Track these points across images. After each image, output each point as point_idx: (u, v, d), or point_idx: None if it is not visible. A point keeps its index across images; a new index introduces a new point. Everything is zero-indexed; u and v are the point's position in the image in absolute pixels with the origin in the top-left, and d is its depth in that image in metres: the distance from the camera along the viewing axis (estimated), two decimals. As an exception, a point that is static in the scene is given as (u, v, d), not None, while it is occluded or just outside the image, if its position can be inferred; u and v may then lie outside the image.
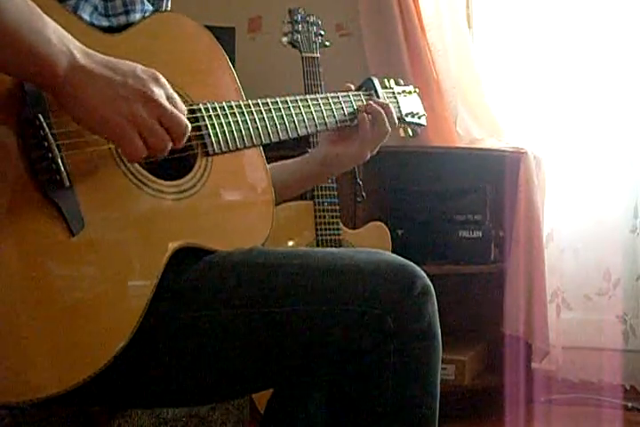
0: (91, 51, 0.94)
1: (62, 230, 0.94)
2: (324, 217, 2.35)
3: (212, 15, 2.82)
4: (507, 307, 2.62)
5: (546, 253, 2.63)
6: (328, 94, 1.32)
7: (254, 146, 1.18)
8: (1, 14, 0.85)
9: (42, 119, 0.93)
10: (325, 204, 2.35)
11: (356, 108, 1.35)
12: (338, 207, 2.37)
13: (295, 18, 2.36)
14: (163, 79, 0.98)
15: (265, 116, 1.19)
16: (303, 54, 2.36)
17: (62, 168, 0.93)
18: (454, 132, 2.81)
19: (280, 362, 1.07)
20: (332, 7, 3.01)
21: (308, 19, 2.38)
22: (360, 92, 1.38)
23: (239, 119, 1.15)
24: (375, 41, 2.89)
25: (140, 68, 0.97)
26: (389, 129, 1.36)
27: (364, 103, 1.35)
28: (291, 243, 2.32)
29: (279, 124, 1.21)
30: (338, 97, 1.33)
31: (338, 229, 2.37)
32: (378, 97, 1.39)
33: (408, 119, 1.48)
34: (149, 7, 1.19)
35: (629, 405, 2.65)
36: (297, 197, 2.32)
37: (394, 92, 1.47)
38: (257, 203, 1.22)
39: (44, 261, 0.92)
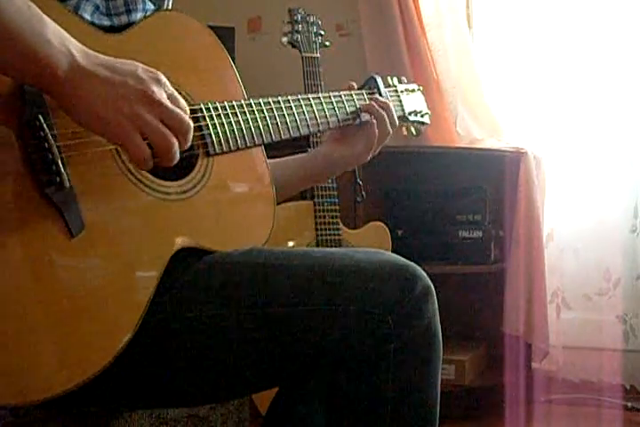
0: (91, 51, 0.93)
1: (62, 232, 0.93)
2: (324, 217, 2.35)
3: (212, 15, 2.82)
4: (507, 307, 2.62)
5: (546, 253, 2.63)
6: (330, 93, 1.32)
7: (255, 145, 1.18)
8: (1, 16, 0.85)
9: (42, 120, 0.92)
10: (325, 204, 2.35)
11: (358, 107, 1.34)
12: (338, 207, 2.37)
13: (295, 18, 2.36)
14: (163, 78, 0.98)
15: (266, 115, 1.19)
16: (303, 54, 2.36)
17: (62, 169, 0.93)
18: (454, 132, 2.81)
19: (280, 362, 1.07)
20: (332, 7, 3.01)
21: (307, 19, 2.38)
22: (363, 91, 1.38)
23: (240, 119, 1.15)
24: (375, 41, 2.89)
25: (140, 67, 0.96)
26: (390, 131, 1.36)
27: (367, 102, 1.35)
28: (291, 243, 2.32)
29: (280, 123, 1.21)
30: (340, 96, 1.33)
31: (338, 229, 2.37)
32: (381, 95, 1.39)
33: (411, 118, 1.48)
34: (151, 6, 1.18)
35: (629, 405, 2.65)
36: (297, 197, 2.32)
37: (397, 91, 1.46)
38: (258, 203, 1.21)
39: (45, 262, 0.92)
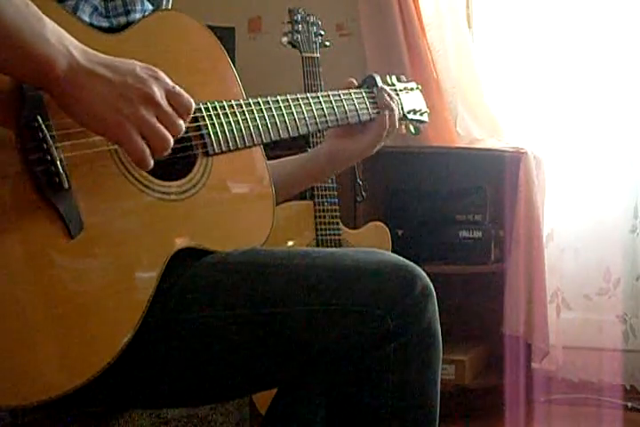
0: (90, 50, 0.93)
1: (61, 233, 0.93)
2: (324, 217, 2.35)
3: (212, 15, 2.82)
4: (507, 307, 2.62)
5: (546, 253, 2.63)
6: (329, 92, 1.32)
7: (255, 145, 1.18)
8: (0, 15, 0.85)
9: (40, 121, 0.92)
10: (325, 204, 2.35)
11: (357, 105, 1.35)
12: (338, 207, 2.37)
13: (295, 18, 2.36)
14: (162, 75, 0.98)
15: (265, 114, 1.19)
16: (303, 54, 2.35)
17: (61, 170, 0.93)
18: (454, 132, 2.81)
19: (280, 362, 1.07)
20: (332, 7, 3.01)
21: (307, 19, 2.38)
22: (362, 90, 1.38)
23: (239, 118, 1.15)
24: (375, 41, 2.89)
25: (139, 66, 0.96)
26: (397, 124, 1.37)
27: (366, 100, 1.35)
28: (290, 243, 2.32)
29: (280, 122, 1.21)
30: (339, 95, 1.33)
31: (338, 229, 2.37)
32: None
33: (410, 116, 1.48)
34: (149, 7, 1.18)
35: (629, 405, 2.65)
36: (297, 197, 2.32)
37: (396, 89, 1.46)
38: (257, 203, 1.21)
39: (45, 262, 0.92)
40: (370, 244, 2.42)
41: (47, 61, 0.88)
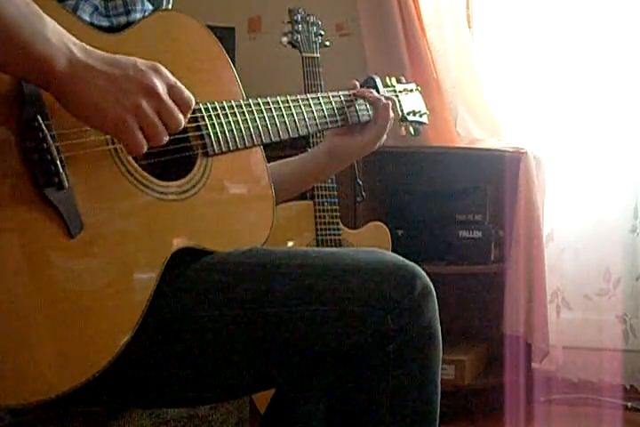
0: (90, 47, 0.93)
1: (61, 232, 0.93)
2: (324, 217, 2.35)
3: (212, 15, 2.82)
4: (507, 307, 2.62)
5: (546, 253, 2.63)
6: (329, 93, 1.32)
7: (255, 146, 1.18)
8: (1, 14, 0.85)
9: (41, 120, 0.92)
10: (325, 204, 2.35)
11: (357, 106, 1.35)
12: (338, 207, 2.37)
13: (295, 18, 2.36)
14: (163, 69, 0.97)
15: (265, 115, 1.19)
16: (303, 54, 2.35)
17: (61, 170, 0.93)
18: (454, 132, 2.81)
19: (280, 362, 1.07)
20: (332, 7, 3.01)
21: (307, 19, 2.38)
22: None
23: (239, 119, 1.15)
24: (375, 41, 2.89)
25: (139, 61, 0.96)
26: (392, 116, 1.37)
27: (365, 101, 1.36)
28: (290, 243, 2.32)
29: (280, 123, 1.21)
30: (339, 95, 1.33)
31: (338, 230, 2.37)
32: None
33: (410, 118, 1.48)
34: (149, 7, 1.18)
35: (629, 405, 2.65)
36: (297, 197, 2.32)
37: (395, 91, 1.47)
38: (257, 203, 1.21)
39: (44, 262, 0.92)
40: (370, 244, 2.42)
41: (47, 60, 0.88)
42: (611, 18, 2.74)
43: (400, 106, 1.45)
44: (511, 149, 2.68)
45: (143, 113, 0.94)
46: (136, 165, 1.04)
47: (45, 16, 0.90)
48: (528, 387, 2.65)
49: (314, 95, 1.29)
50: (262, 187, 1.22)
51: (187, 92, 0.99)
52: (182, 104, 0.99)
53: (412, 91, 1.51)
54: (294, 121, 1.23)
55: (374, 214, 2.70)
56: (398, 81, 1.50)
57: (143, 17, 1.15)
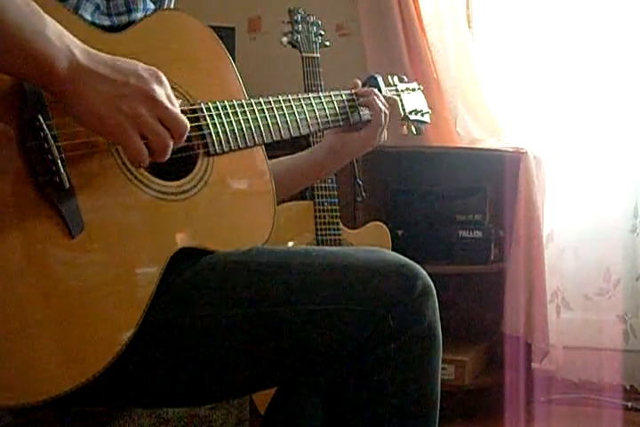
0: (92, 50, 0.93)
1: (62, 232, 0.93)
2: (324, 217, 2.35)
3: (212, 15, 2.82)
4: (507, 307, 2.62)
5: (546, 253, 2.63)
6: (331, 92, 1.33)
7: (256, 145, 1.18)
8: (2, 14, 0.85)
9: (42, 120, 0.92)
10: (325, 204, 2.35)
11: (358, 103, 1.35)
12: (338, 207, 2.37)
13: (295, 18, 2.36)
14: (164, 77, 0.98)
15: (267, 115, 1.19)
16: (303, 54, 2.35)
17: (62, 170, 0.93)
18: (454, 132, 2.81)
19: (280, 361, 1.07)
20: (332, 7, 3.01)
21: (307, 19, 2.38)
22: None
23: (240, 118, 1.15)
24: (375, 41, 2.89)
25: (141, 66, 0.96)
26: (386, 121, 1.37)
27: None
28: (291, 243, 2.32)
29: (281, 122, 1.21)
30: (341, 95, 1.34)
31: (338, 230, 2.37)
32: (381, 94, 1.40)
33: (412, 117, 1.48)
34: (151, 6, 1.18)
35: (629, 405, 2.65)
36: (297, 198, 2.32)
37: (397, 90, 1.47)
38: (258, 203, 1.21)
39: (45, 262, 0.92)
40: (370, 244, 2.42)
41: (48, 60, 0.88)
42: (611, 18, 2.74)
43: (402, 105, 1.46)
44: (511, 149, 2.68)
45: (142, 120, 0.94)
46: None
47: (46, 16, 0.90)
48: (528, 387, 2.64)
49: (315, 94, 1.29)
50: (263, 186, 1.22)
51: (177, 104, 0.99)
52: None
53: (414, 90, 1.51)
54: (296, 120, 1.23)
55: (374, 214, 2.70)
56: (400, 80, 1.50)
57: (145, 16, 1.15)
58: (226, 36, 2.79)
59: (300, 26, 2.36)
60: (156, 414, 1.25)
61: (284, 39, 2.36)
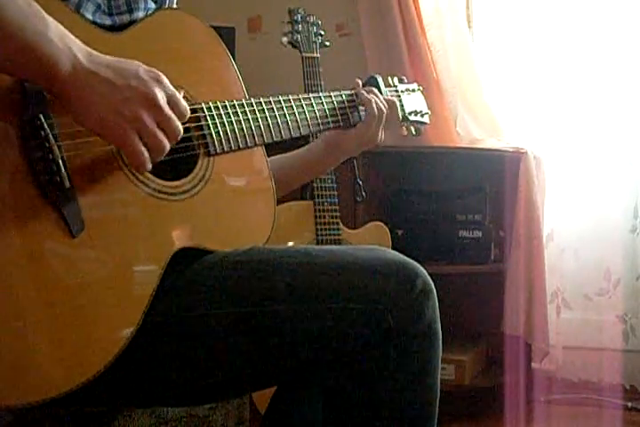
0: (93, 51, 0.93)
1: (62, 232, 0.93)
2: (324, 217, 2.35)
3: (212, 15, 2.81)
4: (507, 307, 2.62)
5: (546, 253, 2.63)
6: (331, 92, 1.33)
7: (256, 145, 1.18)
8: (3, 14, 0.85)
9: (43, 119, 0.92)
10: (325, 204, 2.35)
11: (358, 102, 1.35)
12: (338, 207, 2.37)
13: (295, 18, 2.36)
14: (164, 79, 0.98)
15: (267, 115, 1.19)
16: (303, 54, 2.35)
17: (63, 169, 0.93)
18: (454, 132, 2.81)
19: (280, 361, 1.07)
20: (332, 7, 3.01)
21: (307, 19, 2.38)
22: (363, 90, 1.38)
23: (241, 118, 1.15)
24: (375, 41, 2.88)
25: (142, 68, 0.96)
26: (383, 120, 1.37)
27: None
28: (291, 243, 2.32)
29: (282, 122, 1.21)
30: (341, 95, 1.34)
31: (338, 230, 2.37)
32: (381, 94, 1.40)
33: (411, 118, 1.48)
34: (152, 5, 1.18)
35: (629, 405, 2.65)
36: (297, 198, 2.32)
37: (397, 91, 1.47)
38: (259, 203, 1.21)
39: (46, 262, 0.92)
40: (370, 244, 2.41)
41: (50, 61, 0.88)
42: (611, 18, 2.74)
43: (402, 106, 1.46)
44: (511, 149, 2.68)
45: (143, 124, 0.94)
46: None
47: (48, 17, 0.90)
48: (528, 387, 2.64)
49: (316, 94, 1.29)
50: (264, 187, 1.22)
51: (183, 103, 1.00)
52: (178, 114, 0.99)
53: (414, 91, 1.51)
54: (296, 120, 1.24)
55: (374, 214, 2.70)
56: (400, 81, 1.50)
57: (146, 15, 1.15)
58: (226, 36, 2.79)
59: (300, 26, 2.36)
60: (155, 414, 1.25)
61: (284, 39, 2.36)
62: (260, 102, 1.19)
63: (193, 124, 1.09)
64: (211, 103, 1.12)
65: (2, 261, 0.88)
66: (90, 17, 1.08)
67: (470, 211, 2.72)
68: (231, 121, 1.14)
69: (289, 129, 1.22)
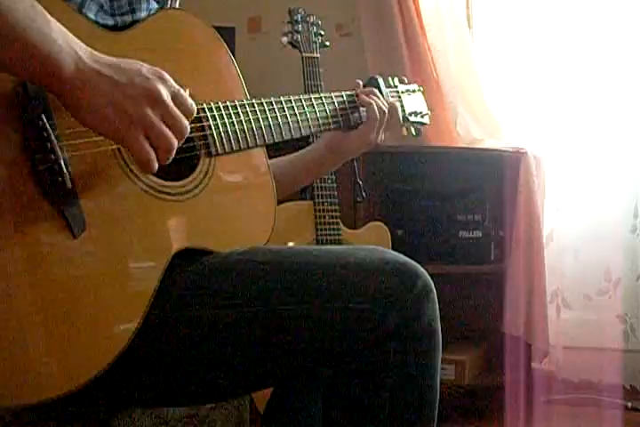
0: (96, 52, 0.93)
1: (64, 232, 0.93)
2: (324, 217, 2.35)
3: (212, 15, 2.81)
4: (507, 307, 2.62)
5: (546, 253, 2.63)
6: (332, 93, 1.33)
7: (258, 146, 1.18)
8: (7, 15, 0.85)
9: (45, 120, 0.92)
10: (325, 204, 2.35)
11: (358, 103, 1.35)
12: (338, 207, 2.37)
13: (295, 18, 2.36)
14: (167, 77, 0.98)
15: (269, 115, 1.19)
16: (303, 54, 2.35)
17: (64, 170, 0.93)
18: (454, 133, 2.81)
19: (280, 360, 1.07)
20: (332, 7, 3.01)
21: (308, 19, 2.38)
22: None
23: (243, 119, 1.15)
24: (375, 41, 2.89)
25: (145, 67, 0.96)
26: (384, 120, 1.37)
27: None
28: (291, 243, 2.32)
29: (283, 123, 1.21)
30: (342, 96, 1.34)
31: (338, 230, 2.36)
32: (382, 95, 1.40)
33: (412, 118, 1.49)
34: (155, 5, 1.18)
35: (629, 405, 2.65)
36: (297, 198, 2.32)
37: (398, 91, 1.47)
38: (259, 203, 1.21)
39: (47, 262, 0.92)
40: (370, 244, 2.40)
41: (53, 62, 0.88)
42: (611, 18, 2.74)
43: (402, 107, 1.46)
44: (511, 149, 2.67)
45: (149, 123, 0.94)
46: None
47: (51, 18, 0.90)
48: (528, 387, 2.64)
49: (316, 95, 1.29)
50: (264, 187, 1.23)
51: (189, 100, 0.99)
52: (185, 112, 0.98)
53: (414, 91, 1.51)
54: (297, 121, 1.24)
55: (374, 214, 2.70)
56: (401, 81, 1.50)
57: (148, 16, 1.15)
58: (226, 36, 2.79)
59: (299, 26, 2.36)
60: (156, 414, 1.25)
61: (284, 39, 2.36)
62: (262, 103, 1.19)
63: (194, 125, 1.09)
64: (212, 103, 1.12)
65: (2, 261, 0.88)
66: (92, 17, 1.08)
67: (470, 211, 2.72)
68: (232, 122, 1.14)
69: (290, 130, 1.22)
